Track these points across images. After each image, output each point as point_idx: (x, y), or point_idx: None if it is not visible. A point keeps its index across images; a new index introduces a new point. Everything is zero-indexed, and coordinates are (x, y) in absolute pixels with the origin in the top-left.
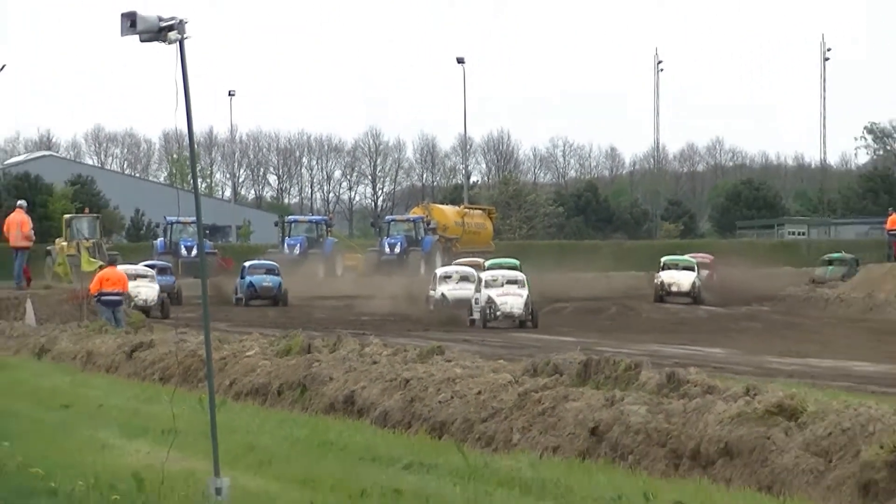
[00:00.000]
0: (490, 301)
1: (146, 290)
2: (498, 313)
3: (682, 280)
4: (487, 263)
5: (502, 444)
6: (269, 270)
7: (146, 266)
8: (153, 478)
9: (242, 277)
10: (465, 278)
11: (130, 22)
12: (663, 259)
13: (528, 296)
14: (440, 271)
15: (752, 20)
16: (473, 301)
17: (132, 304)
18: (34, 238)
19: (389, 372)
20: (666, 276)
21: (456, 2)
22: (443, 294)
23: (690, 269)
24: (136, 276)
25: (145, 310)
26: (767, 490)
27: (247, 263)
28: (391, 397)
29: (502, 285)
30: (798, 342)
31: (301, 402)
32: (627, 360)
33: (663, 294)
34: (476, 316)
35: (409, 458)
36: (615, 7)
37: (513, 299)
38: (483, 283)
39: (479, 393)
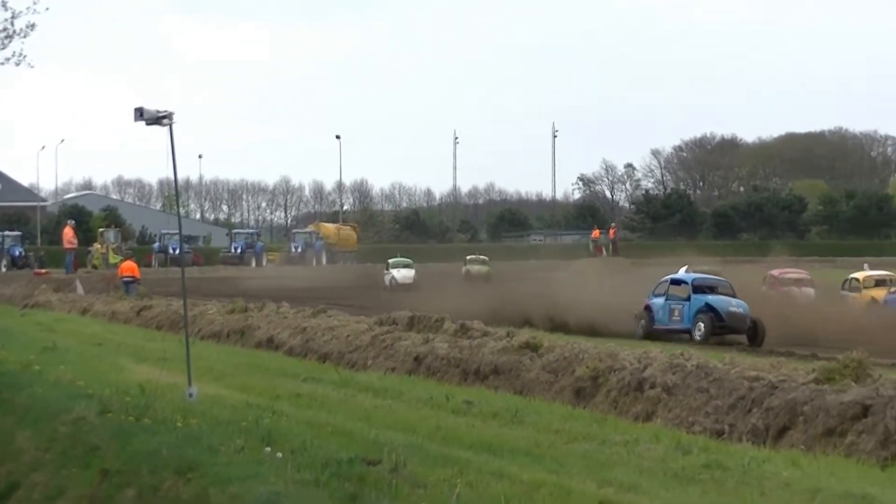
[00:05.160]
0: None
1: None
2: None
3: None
4: (391, 261)
5: (361, 366)
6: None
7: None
8: (151, 387)
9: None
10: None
11: (140, 113)
12: (467, 257)
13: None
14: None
15: (508, 109)
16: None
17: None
18: (76, 243)
19: (294, 323)
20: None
21: (336, 91)
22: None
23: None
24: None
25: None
26: (520, 393)
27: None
28: (295, 338)
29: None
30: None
31: (241, 342)
32: (436, 315)
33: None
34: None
35: (306, 374)
36: (431, 103)
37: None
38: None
39: (348, 336)
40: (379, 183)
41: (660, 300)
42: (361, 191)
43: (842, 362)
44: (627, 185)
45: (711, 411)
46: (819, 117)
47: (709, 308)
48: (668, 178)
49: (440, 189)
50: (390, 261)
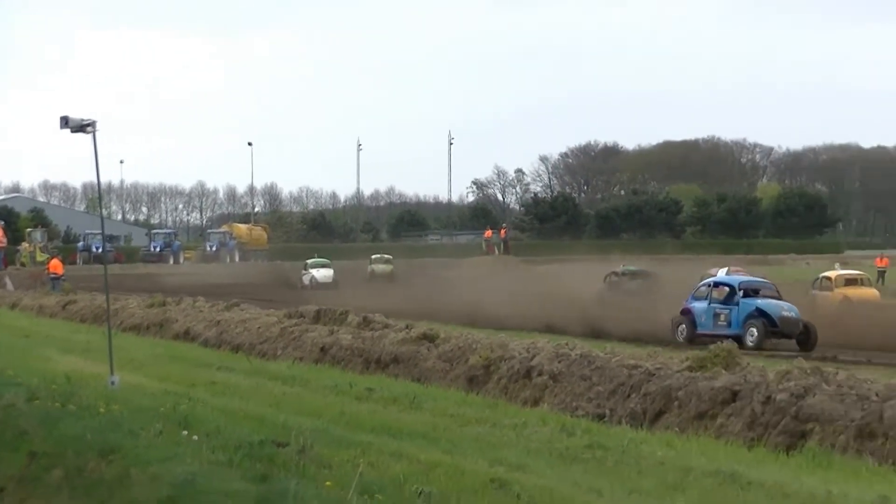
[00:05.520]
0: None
1: None
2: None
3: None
4: (309, 262)
5: (271, 356)
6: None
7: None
8: (76, 376)
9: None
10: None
11: (65, 121)
12: (372, 256)
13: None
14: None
15: (408, 117)
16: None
17: None
18: (5, 242)
19: (209, 316)
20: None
21: (248, 100)
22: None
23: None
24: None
25: None
26: (418, 381)
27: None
28: (210, 330)
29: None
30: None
31: (160, 334)
32: (341, 308)
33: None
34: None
35: (220, 364)
36: (336, 112)
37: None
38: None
39: (259, 328)
40: (288, 186)
41: (702, 304)
42: (271, 194)
43: (713, 351)
44: (517, 188)
45: (594, 397)
46: (694, 126)
47: (760, 313)
48: (555, 182)
49: (344, 192)
50: (309, 261)
